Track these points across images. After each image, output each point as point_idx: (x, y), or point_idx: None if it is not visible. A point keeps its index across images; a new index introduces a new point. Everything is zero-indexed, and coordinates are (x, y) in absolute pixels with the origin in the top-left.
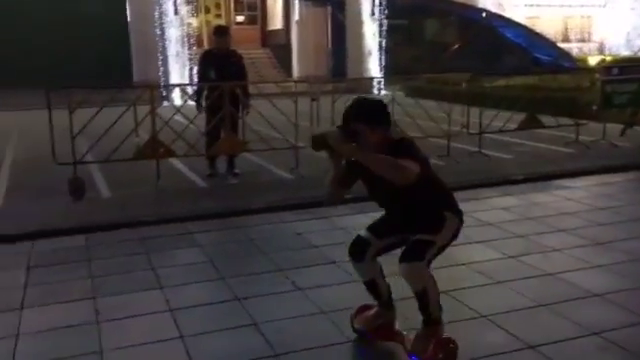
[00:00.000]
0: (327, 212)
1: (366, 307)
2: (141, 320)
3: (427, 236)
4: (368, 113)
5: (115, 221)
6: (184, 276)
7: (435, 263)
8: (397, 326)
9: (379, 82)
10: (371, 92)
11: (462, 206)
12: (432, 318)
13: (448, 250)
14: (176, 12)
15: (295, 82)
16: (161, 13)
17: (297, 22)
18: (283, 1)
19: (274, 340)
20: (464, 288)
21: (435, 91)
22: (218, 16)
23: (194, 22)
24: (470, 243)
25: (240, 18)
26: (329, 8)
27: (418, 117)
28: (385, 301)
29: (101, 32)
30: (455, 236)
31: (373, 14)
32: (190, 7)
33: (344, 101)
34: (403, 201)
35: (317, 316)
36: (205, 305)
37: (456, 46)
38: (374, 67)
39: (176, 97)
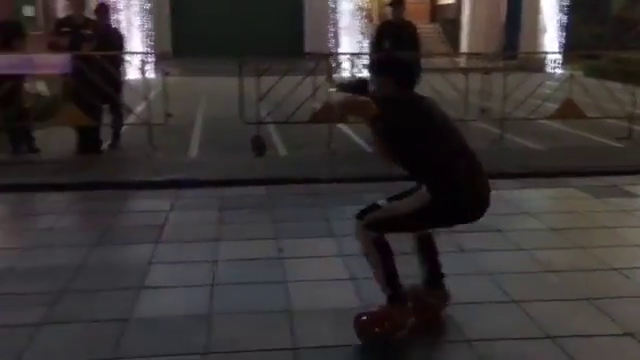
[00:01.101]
0: (493, 185)
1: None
2: (317, 261)
3: (384, 202)
4: (401, 70)
5: (292, 176)
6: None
7: (610, 241)
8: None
9: (554, 60)
10: (544, 70)
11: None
12: (383, 289)
13: (623, 230)
14: None
15: (467, 55)
16: None
17: None
18: None
19: None
20: (637, 267)
21: (619, 71)
22: None
23: None
24: None
25: None
26: None
27: (599, 98)
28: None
29: (278, 4)
30: (432, 214)
31: None
32: None
33: (518, 78)
34: (405, 167)
35: (480, 277)
36: None
37: None
38: (550, 44)
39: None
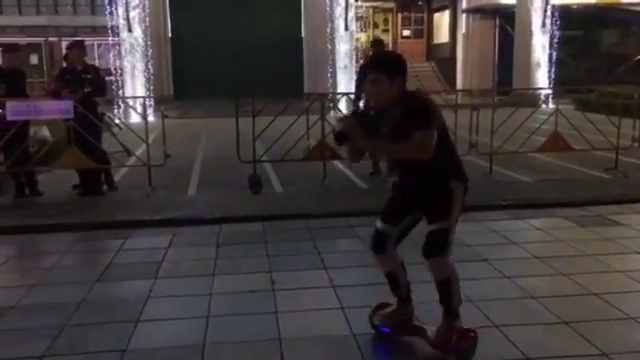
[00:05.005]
0: (482, 216)
1: (384, 305)
2: (309, 292)
3: (441, 224)
4: (388, 63)
5: (287, 212)
6: (345, 261)
7: (591, 268)
8: (416, 321)
9: (546, 95)
10: (537, 105)
11: (626, 219)
12: (452, 309)
13: (606, 257)
14: (346, 28)
15: (458, 92)
16: (332, 29)
17: (464, 35)
18: (450, 15)
19: (424, 318)
20: (616, 292)
21: (606, 105)
22: (386, 31)
23: (362, 37)
24: (629, 253)
25: (406, 32)
26: (497, 20)
27: (585, 130)
28: (403, 296)
29: (277, 47)
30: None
31: (544, 25)
32: (360, 23)
33: (507, 113)
34: (418, 170)
35: (465, 304)
36: (364, 285)
37: (637, 58)
38: (543, 80)
39: (342, 107)
